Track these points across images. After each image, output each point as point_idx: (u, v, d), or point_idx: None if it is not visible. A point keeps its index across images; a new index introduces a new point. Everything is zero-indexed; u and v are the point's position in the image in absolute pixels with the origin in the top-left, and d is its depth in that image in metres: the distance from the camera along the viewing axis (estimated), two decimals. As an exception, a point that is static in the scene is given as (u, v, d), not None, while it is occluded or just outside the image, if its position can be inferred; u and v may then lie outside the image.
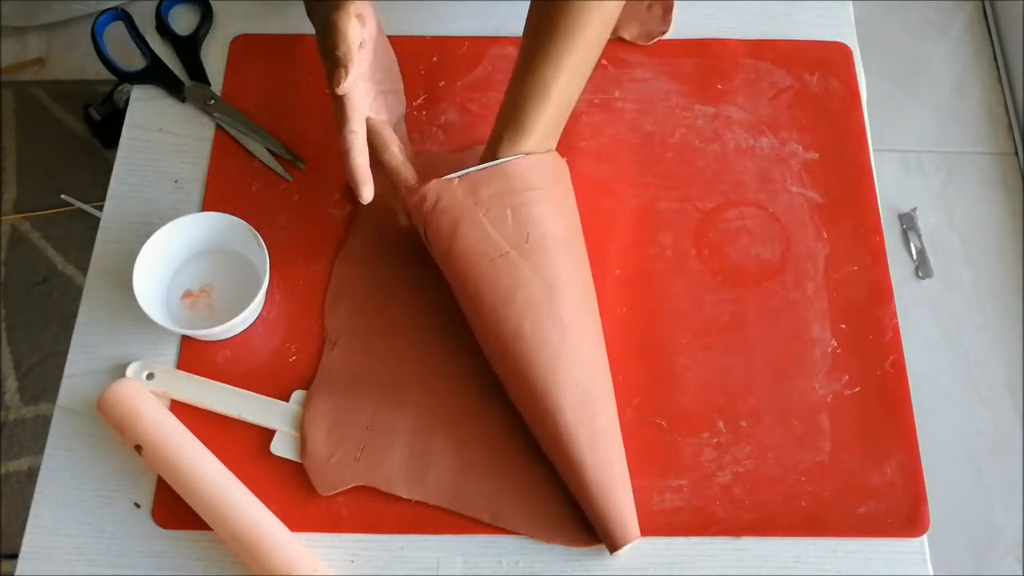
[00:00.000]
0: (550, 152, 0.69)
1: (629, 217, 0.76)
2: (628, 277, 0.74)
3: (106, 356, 0.71)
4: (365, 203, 0.68)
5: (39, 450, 0.83)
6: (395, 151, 0.70)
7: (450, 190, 0.66)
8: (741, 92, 0.81)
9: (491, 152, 0.68)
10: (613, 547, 0.63)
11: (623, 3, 0.70)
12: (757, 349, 0.71)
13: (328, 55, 0.65)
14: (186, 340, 0.71)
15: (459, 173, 0.67)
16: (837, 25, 0.84)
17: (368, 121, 0.69)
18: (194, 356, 0.70)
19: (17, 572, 0.65)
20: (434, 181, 0.67)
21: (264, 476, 0.66)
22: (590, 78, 0.78)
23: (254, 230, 0.70)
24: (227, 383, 0.69)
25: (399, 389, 0.69)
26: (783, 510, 0.66)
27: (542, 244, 0.66)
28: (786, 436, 0.68)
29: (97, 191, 1.51)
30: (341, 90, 0.64)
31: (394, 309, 0.72)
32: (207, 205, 0.76)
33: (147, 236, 0.69)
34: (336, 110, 0.66)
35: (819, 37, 0.84)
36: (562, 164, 0.70)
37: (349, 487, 0.66)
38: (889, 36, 1.71)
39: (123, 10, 0.82)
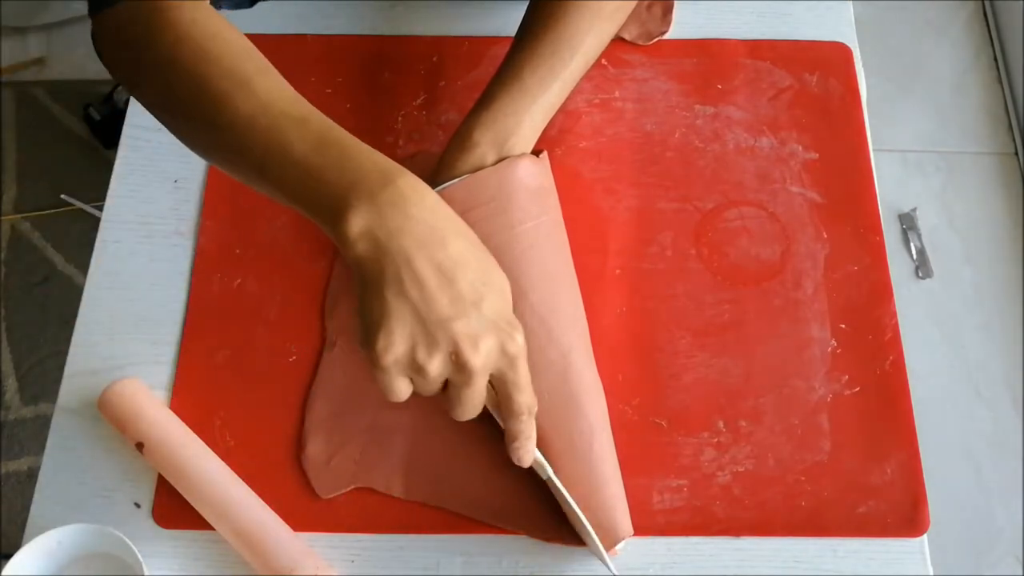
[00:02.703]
0: (504, 160, 0.66)
1: (629, 217, 0.76)
2: (628, 277, 0.74)
3: (106, 356, 0.71)
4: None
5: (39, 450, 0.83)
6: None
7: None
8: (741, 92, 0.81)
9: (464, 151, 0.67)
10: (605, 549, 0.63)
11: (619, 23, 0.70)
12: (757, 349, 0.71)
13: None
14: (185, 339, 0.71)
15: None
16: (837, 25, 0.84)
17: None
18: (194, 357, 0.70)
19: (17, 572, 0.65)
20: None
21: (264, 476, 0.66)
22: (589, 78, 0.78)
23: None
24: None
25: (399, 389, 0.69)
26: (783, 510, 0.66)
27: None
28: (786, 436, 0.68)
29: (97, 191, 1.51)
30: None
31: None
32: (207, 205, 0.75)
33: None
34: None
35: (819, 37, 0.84)
36: (516, 170, 0.66)
37: (349, 489, 0.66)
38: (889, 36, 1.71)
39: (123, 10, 0.82)
